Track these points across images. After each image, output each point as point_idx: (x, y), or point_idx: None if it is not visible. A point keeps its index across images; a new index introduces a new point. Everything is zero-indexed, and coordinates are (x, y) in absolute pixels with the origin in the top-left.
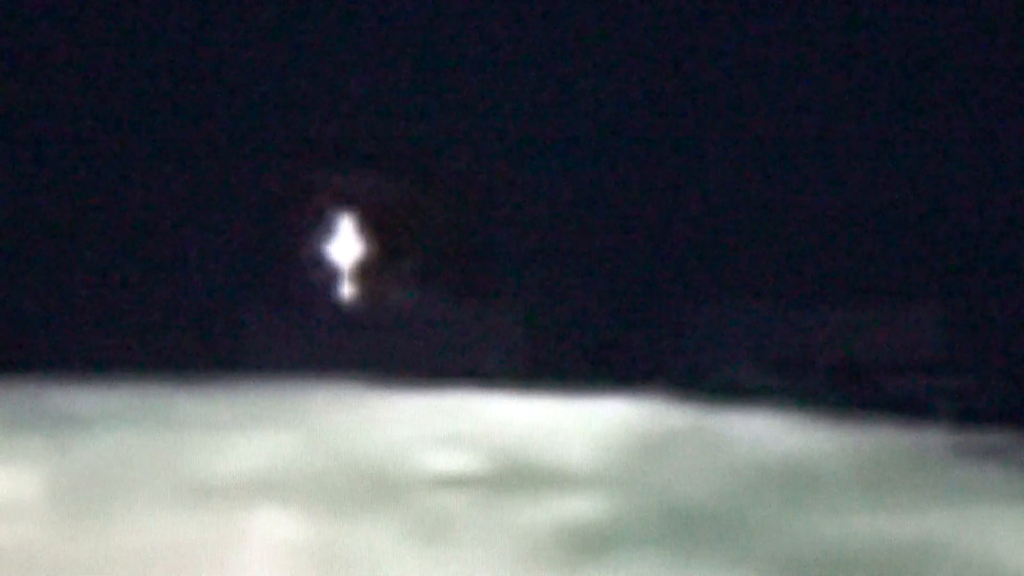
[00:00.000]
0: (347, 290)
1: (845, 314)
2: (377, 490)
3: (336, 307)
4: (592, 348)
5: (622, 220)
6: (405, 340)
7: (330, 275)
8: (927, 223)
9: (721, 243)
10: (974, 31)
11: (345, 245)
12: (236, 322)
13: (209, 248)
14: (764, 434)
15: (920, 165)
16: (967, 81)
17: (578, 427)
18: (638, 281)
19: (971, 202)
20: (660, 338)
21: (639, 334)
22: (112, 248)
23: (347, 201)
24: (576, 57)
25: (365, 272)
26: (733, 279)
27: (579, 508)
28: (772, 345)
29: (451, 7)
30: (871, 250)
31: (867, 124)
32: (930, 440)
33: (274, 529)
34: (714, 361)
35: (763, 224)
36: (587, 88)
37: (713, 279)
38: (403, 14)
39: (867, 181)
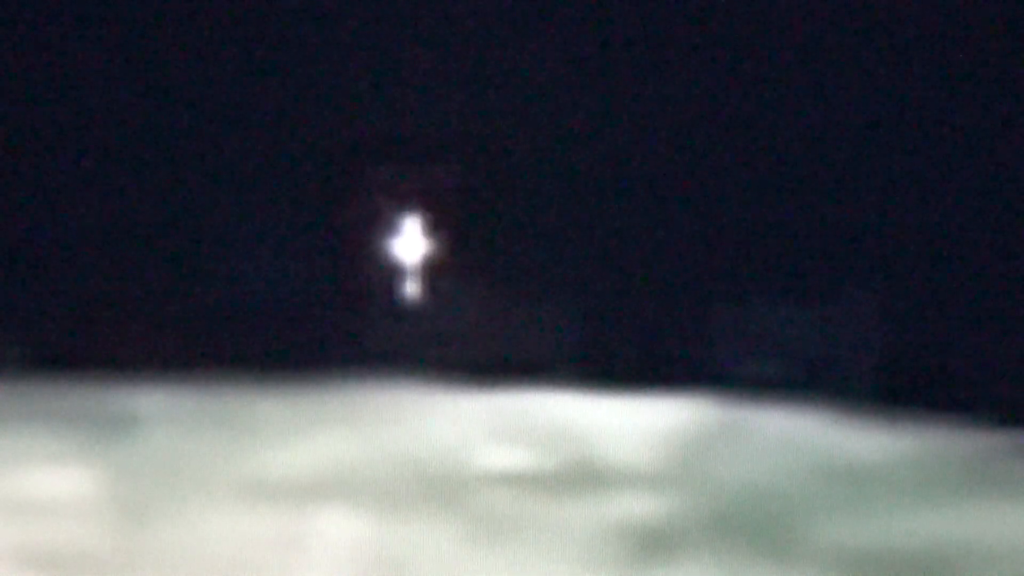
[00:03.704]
0: (410, 287)
1: (882, 311)
2: (439, 489)
3: (398, 305)
4: (639, 347)
5: (671, 216)
6: (463, 337)
7: (393, 272)
8: (966, 221)
9: (760, 240)
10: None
11: (409, 242)
12: (298, 321)
13: (273, 247)
14: (812, 433)
15: (955, 163)
16: (1005, 81)
17: (633, 425)
18: (684, 279)
19: (1014, 199)
20: (701, 336)
21: (684, 332)
22: (177, 247)
23: (410, 197)
24: (633, 60)
25: (428, 269)
26: (769, 275)
27: (639, 506)
28: (809, 342)
29: (512, 2)
30: (909, 247)
31: (898, 122)
32: (972, 438)
33: (337, 528)
34: (750, 358)
35: (800, 221)
36: (635, 92)
37: (749, 276)
38: (464, 7)
39: (904, 179)
